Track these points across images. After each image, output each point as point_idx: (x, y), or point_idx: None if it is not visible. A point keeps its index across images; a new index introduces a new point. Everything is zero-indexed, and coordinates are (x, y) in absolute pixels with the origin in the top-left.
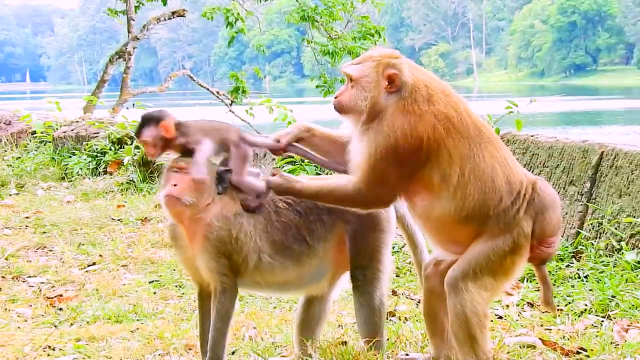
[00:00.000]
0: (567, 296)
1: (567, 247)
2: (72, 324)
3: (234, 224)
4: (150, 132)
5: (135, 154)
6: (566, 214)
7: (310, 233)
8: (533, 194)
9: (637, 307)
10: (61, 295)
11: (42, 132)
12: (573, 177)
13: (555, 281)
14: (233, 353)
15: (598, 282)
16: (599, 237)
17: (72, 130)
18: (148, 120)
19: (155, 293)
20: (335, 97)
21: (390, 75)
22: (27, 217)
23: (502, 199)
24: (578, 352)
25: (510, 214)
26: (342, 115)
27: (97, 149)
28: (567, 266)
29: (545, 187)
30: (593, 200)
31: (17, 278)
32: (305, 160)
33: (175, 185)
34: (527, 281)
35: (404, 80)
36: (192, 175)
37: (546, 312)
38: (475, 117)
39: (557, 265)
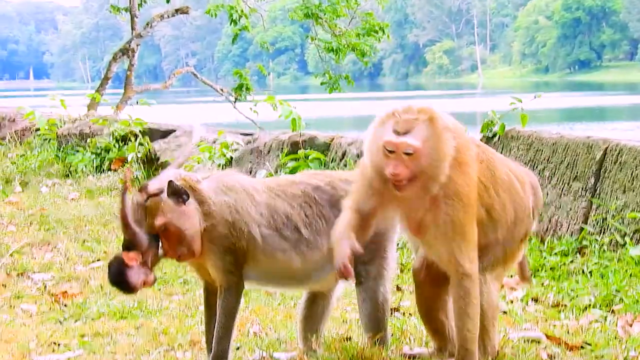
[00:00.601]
0: (571, 291)
1: (571, 242)
2: (77, 320)
3: (225, 212)
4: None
5: (139, 151)
6: (570, 209)
7: (308, 225)
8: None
9: None
10: (66, 291)
11: (46, 130)
12: (577, 172)
13: (559, 277)
14: (238, 349)
15: (602, 277)
16: (603, 233)
17: (76, 127)
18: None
19: (159, 289)
20: (396, 175)
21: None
22: (31, 214)
23: (524, 199)
24: (582, 347)
25: (527, 206)
26: (405, 189)
27: (101, 146)
28: (571, 262)
29: (527, 170)
30: (597, 196)
31: (22, 274)
32: (310, 157)
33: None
34: (531, 276)
35: (430, 135)
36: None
37: (551, 306)
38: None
39: (561, 261)
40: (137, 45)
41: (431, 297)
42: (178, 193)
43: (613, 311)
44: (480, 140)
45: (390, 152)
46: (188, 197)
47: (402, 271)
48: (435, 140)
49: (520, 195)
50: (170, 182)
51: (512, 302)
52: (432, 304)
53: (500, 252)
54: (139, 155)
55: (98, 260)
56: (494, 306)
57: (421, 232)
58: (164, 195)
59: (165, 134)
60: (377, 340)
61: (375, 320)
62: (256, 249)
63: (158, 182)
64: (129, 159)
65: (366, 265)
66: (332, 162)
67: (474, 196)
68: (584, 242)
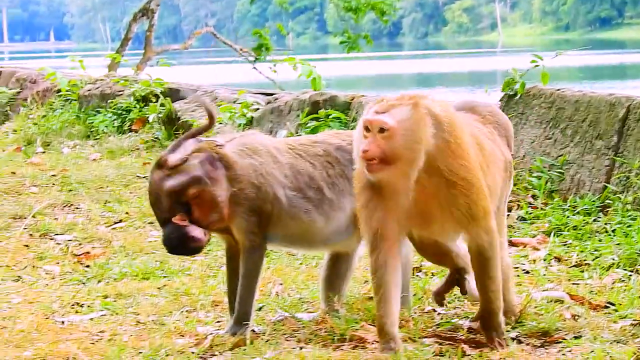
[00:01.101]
0: (595, 250)
1: (594, 201)
2: (99, 281)
3: (251, 175)
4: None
5: (160, 112)
6: (593, 168)
7: (331, 186)
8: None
9: None
10: (88, 252)
11: (67, 91)
12: (600, 131)
13: (582, 235)
14: (260, 309)
15: (626, 236)
16: (627, 191)
17: (97, 88)
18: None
19: None
20: (366, 151)
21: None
22: (53, 175)
23: (502, 157)
24: (606, 307)
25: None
26: (377, 173)
27: (122, 106)
28: (595, 220)
29: (498, 111)
30: (620, 154)
31: (44, 235)
32: (330, 116)
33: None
34: (554, 236)
35: (439, 120)
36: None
37: (573, 266)
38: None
39: (584, 220)
40: (157, 6)
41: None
42: (210, 161)
43: (637, 270)
44: (502, 99)
45: (367, 131)
46: (219, 165)
47: None
48: (412, 122)
49: (500, 160)
50: (199, 151)
51: (534, 261)
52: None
53: (500, 216)
54: (160, 115)
55: (120, 221)
56: (511, 266)
57: (427, 225)
58: (193, 162)
59: (185, 93)
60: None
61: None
62: (281, 211)
63: (177, 153)
64: (150, 119)
65: None
66: (352, 121)
67: (475, 178)
68: (607, 201)
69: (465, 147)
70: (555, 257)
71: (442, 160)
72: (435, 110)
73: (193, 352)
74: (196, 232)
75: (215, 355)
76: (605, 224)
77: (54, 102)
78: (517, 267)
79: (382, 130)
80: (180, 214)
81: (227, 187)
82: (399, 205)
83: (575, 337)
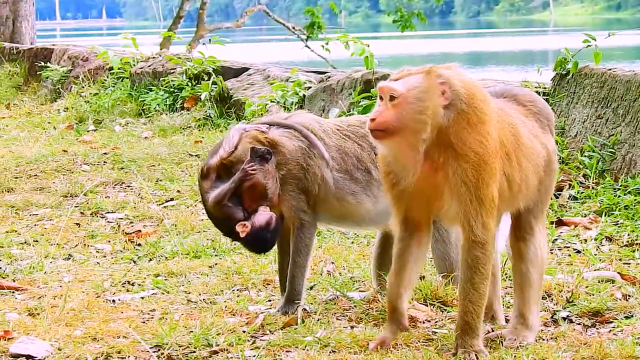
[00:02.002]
0: None
1: None
2: (150, 260)
3: (299, 157)
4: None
5: (213, 90)
6: None
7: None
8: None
9: None
10: (140, 230)
11: (119, 69)
12: None
13: (633, 215)
14: (311, 288)
15: None
16: None
17: (149, 66)
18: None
19: None
20: (373, 119)
21: (441, 84)
22: (105, 153)
23: (543, 154)
24: None
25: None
26: (383, 141)
27: (174, 84)
28: None
29: (537, 97)
30: None
31: (95, 214)
32: None
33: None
34: (605, 215)
35: (456, 90)
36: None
37: (625, 246)
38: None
39: (635, 200)
40: None
41: None
42: (262, 155)
43: None
44: (553, 78)
45: (381, 99)
46: (271, 155)
47: None
48: (422, 90)
49: (540, 158)
50: (253, 148)
51: (585, 241)
52: None
53: (545, 195)
54: (212, 94)
55: (171, 199)
56: (540, 275)
57: (439, 205)
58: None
59: (238, 72)
60: (450, 279)
61: (448, 259)
62: (328, 192)
63: (217, 156)
64: (202, 97)
65: None
66: None
67: (491, 157)
68: None
69: (486, 123)
70: (607, 237)
71: (456, 133)
72: (453, 81)
73: (244, 331)
74: (262, 217)
75: (266, 334)
76: None
77: (105, 80)
78: (568, 247)
79: (392, 97)
80: (241, 223)
81: (276, 171)
82: (406, 179)
83: (627, 317)
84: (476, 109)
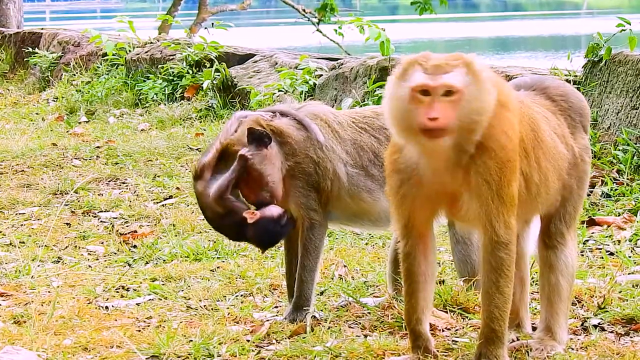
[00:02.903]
0: None
1: None
2: (147, 263)
3: (309, 149)
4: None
5: (215, 78)
6: None
7: None
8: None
9: None
10: (135, 231)
11: (113, 55)
12: None
13: None
14: (321, 293)
15: None
16: None
17: (146, 52)
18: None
19: None
20: (434, 119)
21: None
22: (98, 147)
23: (567, 156)
24: None
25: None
26: (439, 139)
27: (173, 72)
28: None
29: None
30: None
31: (87, 213)
32: None
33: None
34: None
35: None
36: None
37: None
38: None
39: None
40: None
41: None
42: (260, 138)
43: None
44: (585, 65)
45: (425, 94)
46: (270, 139)
47: None
48: (477, 85)
49: (563, 159)
50: (250, 129)
51: (619, 242)
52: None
53: (578, 201)
54: (215, 82)
55: (170, 197)
56: (576, 265)
57: (457, 206)
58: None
59: (243, 58)
60: (472, 284)
61: (470, 262)
62: (341, 189)
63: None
64: (204, 86)
65: None
66: None
67: (515, 153)
68: None
69: (512, 114)
70: None
71: (486, 128)
72: (487, 70)
73: (248, 340)
74: (273, 209)
75: (272, 343)
76: None
77: (99, 67)
78: (600, 249)
79: (449, 92)
80: (249, 211)
81: (281, 162)
82: (434, 182)
83: None
84: (504, 101)
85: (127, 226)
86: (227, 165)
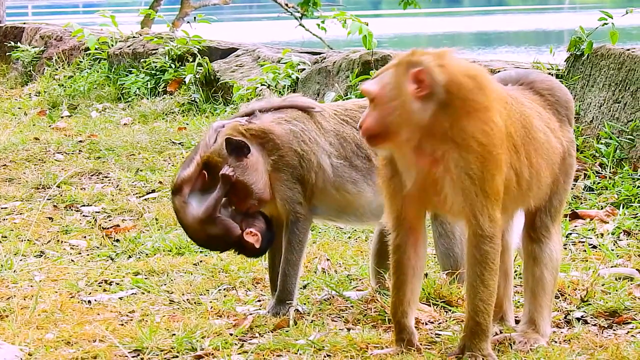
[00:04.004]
0: None
1: None
2: (130, 257)
3: (292, 142)
4: None
5: (198, 72)
6: None
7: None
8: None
9: None
10: (118, 225)
11: (96, 49)
12: None
13: None
14: (304, 287)
15: None
16: None
17: (128, 46)
18: None
19: None
20: (360, 127)
21: (415, 75)
22: (80, 141)
23: (559, 151)
24: None
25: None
26: (377, 147)
27: (155, 66)
28: None
29: (557, 85)
30: None
31: (70, 207)
32: None
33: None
34: (623, 207)
35: (435, 78)
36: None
37: None
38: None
39: None
40: None
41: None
42: (238, 148)
43: None
44: (567, 59)
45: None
46: (249, 148)
47: None
48: (394, 83)
49: (555, 154)
50: (227, 139)
51: (602, 235)
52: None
53: (564, 194)
54: (197, 76)
55: (153, 191)
56: (560, 258)
57: (441, 201)
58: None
59: (225, 53)
60: (455, 277)
61: (452, 256)
62: (326, 181)
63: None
64: (187, 80)
65: None
66: None
67: (496, 147)
68: None
69: (486, 111)
70: (625, 231)
71: (453, 124)
72: (433, 68)
73: (231, 334)
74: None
75: (255, 337)
76: None
77: (81, 62)
78: (583, 242)
79: (371, 99)
80: (247, 231)
81: (265, 162)
82: (409, 179)
83: None
84: (468, 96)
85: (109, 220)
86: (210, 178)
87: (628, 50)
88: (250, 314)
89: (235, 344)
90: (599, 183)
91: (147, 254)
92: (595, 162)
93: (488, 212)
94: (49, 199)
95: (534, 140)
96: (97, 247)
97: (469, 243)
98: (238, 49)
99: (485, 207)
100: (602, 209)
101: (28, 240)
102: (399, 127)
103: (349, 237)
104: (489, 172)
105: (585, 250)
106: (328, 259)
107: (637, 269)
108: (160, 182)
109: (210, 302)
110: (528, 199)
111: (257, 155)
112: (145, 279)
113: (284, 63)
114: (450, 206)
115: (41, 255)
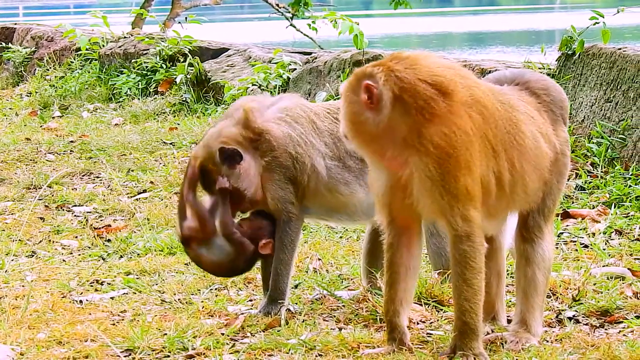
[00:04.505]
0: None
1: None
2: (121, 257)
3: (288, 144)
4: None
5: (189, 72)
6: None
7: None
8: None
9: None
10: (109, 225)
11: (87, 49)
12: None
13: None
14: (296, 287)
15: None
16: None
17: (119, 47)
18: None
19: None
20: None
21: (365, 87)
22: (71, 142)
23: (550, 153)
24: None
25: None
26: (352, 147)
27: (147, 67)
28: None
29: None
30: None
31: (61, 207)
32: None
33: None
34: (615, 207)
35: (384, 90)
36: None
37: (636, 240)
38: (491, 87)
39: None
40: None
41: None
42: (231, 156)
43: None
44: (559, 58)
45: None
46: (242, 156)
47: None
48: (351, 92)
49: (545, 158)
50: (221, 148)
51: (593, 235)
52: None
53: (557, 194)
54: (189, 76)
55: (144, 191)
56: (552, 258)
57: (409, 200)
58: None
59: (216, 53)
60: (447, 276)
61: (444, 255)
62: (319, 183)
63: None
64: (178, 80)
65: None
66: None
67: (457, 149)
68: None
69: (452, 114)
70: (616, 230)
71: (412, 129)
72: (382, 79)
73: (223, 334)
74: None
75: (247, 337)
76: None
77: (72, 62)
78: (574, 241)
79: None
80: (261, 245)
81: (257, 164)
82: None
83: (637, 317)
84: (426, 102)
85: (101, 220)
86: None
87: (619, 49)
88: (242, 314)
89: (227, 344)
90: (590, 182)
91: (138, 254)
92: (587, 162)
93: (460, 212)
94: (41, 199)
95: (519, 145)
96: (89, 247)
97: (450, 243)
98: (229, 49)
99: (456, 207)
100: (593, 208)
101: (19, 240)
102: (357, 133)
103: (341, 237)
104: (450, 174)
105: (577, 250)
106: (320, 259)
107: (628, 268)
108: (151, 182)
109: (202, 301)
110: (513, 202)
111: (250, 159)
112: (137, 278)
113: (275, 63)
114: (422, 208)
115: (33, 255)
